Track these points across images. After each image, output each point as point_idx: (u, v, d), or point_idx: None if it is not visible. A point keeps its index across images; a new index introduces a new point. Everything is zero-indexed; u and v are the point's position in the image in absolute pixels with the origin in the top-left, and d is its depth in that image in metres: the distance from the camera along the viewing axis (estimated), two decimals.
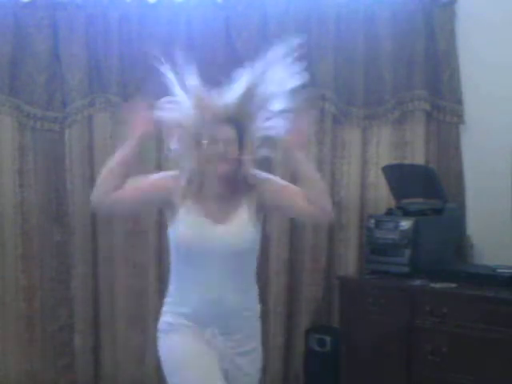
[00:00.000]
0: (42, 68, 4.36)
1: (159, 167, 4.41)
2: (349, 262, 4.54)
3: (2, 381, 4.39)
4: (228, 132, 2.56)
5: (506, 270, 3.78)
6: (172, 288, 2.68)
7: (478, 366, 3.58)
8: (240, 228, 2.58)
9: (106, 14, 4.38)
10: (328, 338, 4.30)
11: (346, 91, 4.51)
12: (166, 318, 2.67)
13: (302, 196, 2.58)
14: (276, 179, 2.68)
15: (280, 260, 4.48)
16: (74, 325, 4.44)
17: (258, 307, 2.72)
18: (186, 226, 2.57)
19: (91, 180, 4.41)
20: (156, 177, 2.67)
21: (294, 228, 4.52)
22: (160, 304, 4.35)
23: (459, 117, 4.46)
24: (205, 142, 2.54)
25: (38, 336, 4.45)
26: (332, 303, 4.53)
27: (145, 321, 4.44)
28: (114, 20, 4.38)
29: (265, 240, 4.36)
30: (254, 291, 2.70)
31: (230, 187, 2.60)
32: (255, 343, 2.69)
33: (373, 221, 4.25)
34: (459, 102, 4.46)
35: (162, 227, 4.12)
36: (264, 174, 2.66)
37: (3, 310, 4.41)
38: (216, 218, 2.57)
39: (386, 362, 3.94)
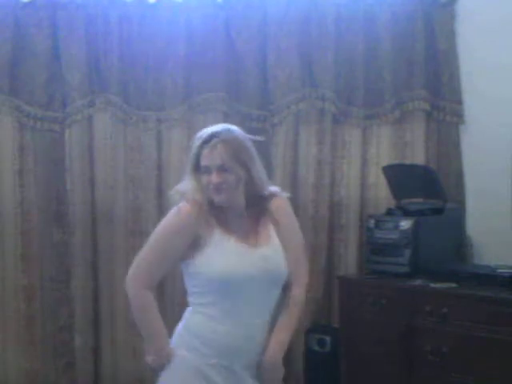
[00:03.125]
0: (42, 68, 4.36)
1: (159, 167, 4.43)
2: (349, 262, 4.54)
3: (2, 381, 4.39)
4: (219, 160, 2.41)
5: (506, 270, 3.78)
6: (196, 323, 2.49)
7: (479, 366, 3.58)
8: (276, 249, 2.47)
9: (106, 14, 4.38)
10: (328, 338, 4.30)
11: (346, 91, 4.51)
12: (186, 353, 2.47)
13: (304, 272, 2.53)
14: (297, 227, 2.59)
15: None
16: (74, 325, 4.44)
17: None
18: (223, 254, 2.40)
19: (91, 180, 4.42)
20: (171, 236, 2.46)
21: None
22: (160, 304, 4.38)
23: (459, 117, 4.47)
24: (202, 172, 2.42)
25: (37, 336, 4.44)
26: (332, 303, 4.54)
27: None
28: (114, 20, 4.38)
29: None
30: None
31: (249, 215, 2.48)
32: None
33: (373, 221, 4.25)
34: (459, 102, 4.46)
35: None
36: (282, 195, 2.58)
37: (3, 310, 4.41)
38: (249, 242, 2.44)
39: (385, 362, 3.94)
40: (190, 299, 2.54)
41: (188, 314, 2.54)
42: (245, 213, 2.47)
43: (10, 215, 4.38)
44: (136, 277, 2.50)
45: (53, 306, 4.45)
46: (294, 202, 4.47)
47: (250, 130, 4.47)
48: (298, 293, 2.53)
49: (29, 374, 4.44)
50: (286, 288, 2.52)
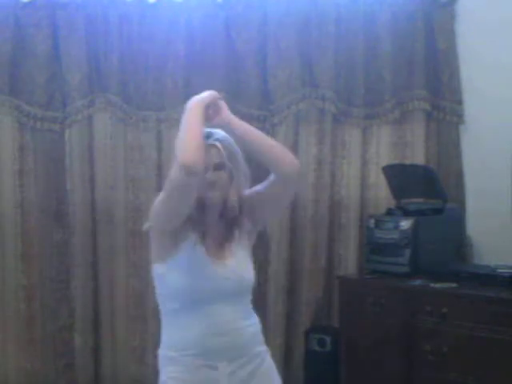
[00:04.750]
0: (42, 68, 4.36)
1: (159, 167, 4.43)
2: (349, 262, 4.54)
3: (2, 381, 4.39)
4: (216, 158, 2.41)
5: (506, 270, 3.78)
6: (168, 333, 2.51)
7: (479, 366, 3.58)
8: (243, 261, 2.47)
9: (106, 14, 4.38)
10: (328, 338, 4.30)
11: (346, 91, 4.51)
12: (169, 367, 2.48)
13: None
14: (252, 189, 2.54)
15: (280, 260, 4.48)
16: (74, 325, 4.44)
17: (261, 334, 2.56)
18: (192, 266, 2.39)
19: (91, 180, 4.42)
20: None
21: (294, 228, 4.52)
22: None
23: (459, 117, 4.47)
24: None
25: (37, 336, 4.44)
26: (332, 303, 4.54)
27: (145, 321, 4.44)
28: (114, 20, 4.38)
29: (265, 240, 4.38)
30: (255, 314, 2.55)
31: (225, 220, 2.47)
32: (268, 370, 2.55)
33: (373, 221, 4.25)
34: (459, 102, 4.46)
35: None
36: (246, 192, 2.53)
37: (3, 310, 4.41)
38: (218, 254, 2.44)
39: (385, 362, 3.94)
40: (161, 307, 2.54)
41: (162, 330, 2.54)
42: (221, 218, 2.46)
43: (10, 215, 4.37)
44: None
45: (53, 305, 4.45)
46: (294, 202, 4.49)
47: None
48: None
49: (29, 374, 4.43)
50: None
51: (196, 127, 2.33)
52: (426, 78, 4.48)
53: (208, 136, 2.42)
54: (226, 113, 2.40)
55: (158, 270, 2.46)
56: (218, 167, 2.41)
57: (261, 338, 2.55)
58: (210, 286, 2.41)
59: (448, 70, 4.47)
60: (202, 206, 2.42)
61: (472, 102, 4.42)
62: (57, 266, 4.45)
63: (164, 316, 2.54)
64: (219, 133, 2.46)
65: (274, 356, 4.28)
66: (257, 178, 2.54)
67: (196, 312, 2.42)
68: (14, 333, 4.41)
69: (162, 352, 2.54)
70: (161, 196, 2.38)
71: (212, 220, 2.46)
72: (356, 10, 4.48)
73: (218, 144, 2.42)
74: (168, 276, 2.43)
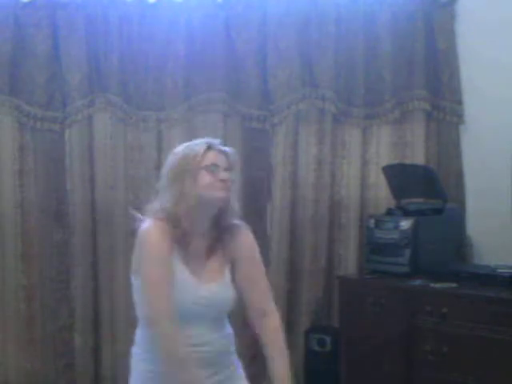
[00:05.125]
0: (42, 68, 4.36)
1: (159, 167, 4.42)
2: (349, 262, 4.54)
3: (2, 381, 4.39)
4: (226, 163, 2.45)
5: (506, 270, 3.78)
6: (144, 339, 2.54)
7: (479, 366, 3.58)
8: (225, 286, 2.47)
9: (106, 14, 4.38)
10: (328, 338, 4.30)
11: (346, 91, 4.51)
12: (142, 366, 2.57)
13: (271, 299, 2.53)
14: (256, 247, 2.55)
15: (280, 260, 4.48)
16: (74, 325, 4.44)
17: (232, 345, 2.57)
18: (174, 287, 2.37)
19: (91, 180, 4.42)
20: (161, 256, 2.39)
21: (294, 228, 4.52)
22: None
23: (459, 117, 4.47)
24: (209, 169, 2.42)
25: (37, 336, 4.44)
26: (332, 303, 4.54)
27: None
28: (114, 20, 4.38)
29: (265, 240, 4.38)
30: (228, 328, 2.55)
31: (210, 235, 2.46)
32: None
33: (373, 221, 4.25)
34: (459, 102, 4.46)
35: None
36: (246, 228, 2.53)
37: (3, 310, 4.41)
38: (201, 276, 2.42)
39: (385, 362, 3.94)
40: (137, 313, 2.55)
41: (137, 330, 2.58)
42: (206, 235, 2.46)
43: (10, 215, 4.37)
44: (157, 313, 2.37)
45: (53, 305, 4.45)
46: (294, 202, 4.50)
47: (249, 130, 4.55)
48: (276, 321, 2.55)
49: (29, 374, 4.44)
50: (262, 316, 2.52)
51: None
52: (426, 77, 4.48)
53: (217, 143, 2.48)
54: None
55: (139, 283, 2.48)
56: (228, 169, 2.45)
57: (233, 348, 2.56)
58: (190, 310, 2.39)
59: (448, 70, 4.47)
60: (196, 213, 2.41)
61: (472, 102, 4.42)
62: (57, 266, 4.46)
63: (140, 321, 2.55)
64: (221, 143, 2.50)
65: None
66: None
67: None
68: (14, 333, 4.41)
69: (135, 350, 2.61)
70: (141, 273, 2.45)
71: (202, 230, 2.44)
72: (356, 10, 4.48)
73: (227, 149, 2.47)
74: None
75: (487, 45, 4.28)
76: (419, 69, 4.48)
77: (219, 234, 2.48)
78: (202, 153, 2.42)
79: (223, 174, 2.42)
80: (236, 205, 2.51)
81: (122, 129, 4.46)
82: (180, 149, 2.49)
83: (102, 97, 4.39)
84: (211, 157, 2.43)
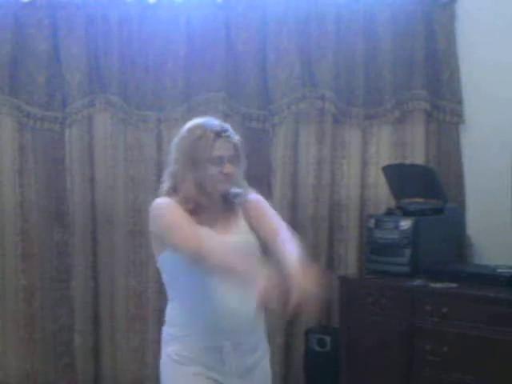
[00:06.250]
0: (41, 68, 4.36)
1: (159, 167, 4.42)
2: (349, 262, 4.54)
3: (2, 381, 4.39)
4: (231, 151, 2.52)
5: (506, 270, 3.78)
6: (174, 313, 2.55)
7: (479, 366, 3.58)
8: (244, 235, 2.54)
9: (106, 14, 4.38)
10: (328, 338, 4.30)
11: (346, 91, 4.51)
12: (172, 347, 2.52)
13: (286, 239, 2.56)
14: (266, 204, 2.64)
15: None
16: (74, 325, 4.44)
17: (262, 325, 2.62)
18: None
19: (91, 180, 4.42)
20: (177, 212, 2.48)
21: (294, 228, 4.50)
22: (160, 304, 4.39)
23: (459, 117, 4.47)
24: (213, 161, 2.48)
25: (37, 336, 4.44)
26: (332, 303, 4.53)
27: (145, 321, 4.44)
28: (113, 20, 4.38)
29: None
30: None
31: (223, 207, 2.57)
32: (262, 353, 2.61)
33: (373, 221, 4.25)
34: (459, 102, 4.46)
35: None
36: (255, 195, 2.64)
37: (3, 309, 4.41)
38: (218, 229, 2.50)
39: (386, 362, 3.94)
40: (168, 293, 2.58)
41: (167, 311, 2.58)
42: (218, 207, 2.55)
43: (10, 215, 4.38)
44: (196, 244, 2.38)
45: (53, 305, 4.46)
46: (294, 202, 4.49)
47: (250, 130, 4.54)
48: (286, 235, 2.61)
49: (29, 374, 4.44)
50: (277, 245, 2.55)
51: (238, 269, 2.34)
52: (426, 77, 4.48)
53: (225, 129, 2.53)
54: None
55: (165, 257, 2.51)
56: (232, 160, 2.51)
57: (263, 332, 2.61)
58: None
59: (448, 70, 4.47)
60: (207, 194, 2.50)
61: (472, 102, 4.42)
62: (57, 266, 4.46)
63: (170, 301, 2.57)
64: (230, 128, 2.55)
65: (273, 356, 4.30)
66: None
67: (200, 290, 2.44)
68: (13, 333, 4.41)
69: (166, 329, 2.57)
70: (163, 223, 2.48)
71: (215, 205, 2.54)
72: (356, 10, 4.48)
73: (234, 138, 2.53)
74: (174, 256, 2.45)
75: (487, 45, 4.28)
76: (419, 69, 4.47)
77: (231, 205, 2.57)
78: (210, 143, 2.48)
79: (227, 167, 2.48)
80: (244, 183, 2.60)
81: (122, 129, 4.46)
82: (192, 129, 2.56)
83: (102, 97, 4.39)
84: (218, 148, 2.49)
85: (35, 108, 4.36)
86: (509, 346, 3.48)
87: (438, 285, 3.82)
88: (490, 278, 3.78)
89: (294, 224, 4.50)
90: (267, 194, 4.51)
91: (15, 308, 4.41)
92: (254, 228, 2.58)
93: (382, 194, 4.50)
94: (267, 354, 2.65)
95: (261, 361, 2.59)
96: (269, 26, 4.46)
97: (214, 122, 2.56)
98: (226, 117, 4.40)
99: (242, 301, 2.45)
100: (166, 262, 2.53)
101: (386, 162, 4.47)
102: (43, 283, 4.44)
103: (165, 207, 2.50)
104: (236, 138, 2.55)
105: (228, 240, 2.48)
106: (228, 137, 2.51)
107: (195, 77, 4.44)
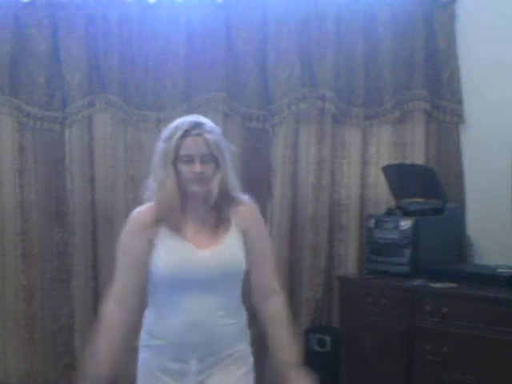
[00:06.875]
0: (41, 68, 4.36)
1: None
2: (349, 262, 4.54)
3: (2, 381, 4.39)
4: (203, 149, 2.39)
5: (506, 270, 3.79)
6: (149, 320, 2.53)
7: (479, 366, 3.58)
8: (231, 247, 2.43)
9: (106, 14, 4.38)
10: (328, 338, 4.30)
11: (346, 91, 4.51)
12: (144, 354, 2.56)
13: (274, 278, 2.51)
14: (257, 213, 2.54)
15: (280, 260, 4.47)
16: (74, 325, 4.44)
17: (247, 335, 2.55)
18: (166, 252, 2.40)
19: (91, 180, 4.42)
20: (129, 239, 2.46)
21: (294, 228, 4.52)
22: None
23: (459, 117, 4.47)
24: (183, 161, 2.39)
25: (37, 336, 4.44)
26: (332, 303, 4.54)
27: None
28: (113, 20, 4.38)
29: None
30: (244, 314, 2.53)
31: (212, 209, 2.44)
32: (244, 369, 2.51)
33: (373, 221, 4.25)
34: (459, 101, 4.46)
35: None
36: (247, 199, 2.53)
37: (3, 310, 4.41)
38: (198, 242, 2.41)
39: (386, 362, 3.94)
40: (148, 299, 2.55)
41: (144, 315, 2.57)
42: (205, 211, 2.45)
43: (10, 215, 4.38)
44: (110, 294, 2.52)
45: (53, 305, 4.46)
46: (294, 201, 4.49)
47: (249, 130, 4.54)
48: (280, 302, 2.54)
49: (29, 374, 4.44)
50: (266, 297, 2.51)
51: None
52: (426, 77, 4.48)
53: (195, 126, 2.41)
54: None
55: (150, 262, 2.46)
56: (205, 158, 2.39)
57: (243, 336, 2.52)
58: (186, 271, 2.39)
59: (448, 70, 4.47)
60: (183, 194, 2.42)
61: (472, 102, 4.42)
62: (57, 266, 4.46)
63: (148, 307, 2.55)
64: (205, 122, 2.44)
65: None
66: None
67: (174, 302, 2.41)
68: (13, 333, 4.41)
69: (141, 333, 2.59)
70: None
71: (194, 207, 2.44)
72: (356, 10, 4.48)
73: (205, 134, 2.40)
74: (152, 265, 2.43)
75: (487, 45, 4.28)
76: (419, 69, 4.47)
77: (219, 209, 2.45)
78: (177, 141, 2.38)
79: (197, 167, 2.38)
80: (234, 181, 2.49)
81: (122, 129, 4.46)
82: (164, 131, 2.47)
83: (102, 97, 4.39)
84: (186, 146, 2.38)
85: (35, 108, 4.36)
86: (509, 346, 3.48)
87: (438, 285, 3.82)
88: (490, 278, 3.78)
89: (294, 224, 4.51)
90: (267, 194, 4.53)
91: (15, 308, 4.41)
92: (245, 244, 2.47)
93: (381, 194, 4.50)
94: (243, 355, 2.53)
95: (229, 365, 2.48)
96: (269, 25, 4.46)
97: (188, 119, 2.45)
98: (225, 117, 4.41)
99: (213, 317, 2.42)
100: (150, 268, 2.48)
101: (385, 162, 4.47)
102: (43, 283, 4.44)
103: (125, 230, 2.47)
104: (211, 134, 2.40)
105: (208, 255, 2.40)
106: (198, 134, 2.38)
107: (195, 77, 4.44)
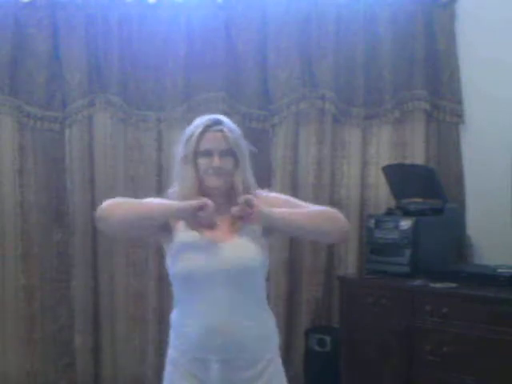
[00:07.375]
0: (41, 68, 4.36)
1: (159, 167, 4.43)
2: (349, 262, 4.54)
3: (1, 381, 4.39)
4: (223, 145, 2.43)
5: (506, 270, 3.78)
6: (173, 320, 2.51)
7: (479, 366, 3.58)
8: (249, 241, 2.42)
9: (106, 14, 4.38)
10: (328, 338, 4.30)
11: (346, 91, 4.51)
12: (171, 351, 2.51)
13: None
14: (277, 195, 2.57)
15: (280, 260, 4.47)
16: (74, 325, 4.44)
17: (275, 339, 2.52)
18: (184, 248, 2.39)
19: (91, 180, 4.42)
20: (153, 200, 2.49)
21: None
22: (160, 304, 4.40)
23: (459, 117, 4.47)
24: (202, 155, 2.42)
25: (37, 336, 4.45)
26: (332, 303, 4.53)
27: (145, 321, 4.44)
28: (113, 20, 4.38)
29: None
30: (270, 319, 2.50)
31: (230, 204, 2.41)
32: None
33: (373, 221, 4.25)
34: (459, 101, 4.46)
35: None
36: (265, 193, 2.54)
37: (3, 310, 4.41)
38: (217, 237, 2.39)
39: (386, 362, 3.94)
40: (173, 300, 2.55)
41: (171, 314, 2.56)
42: (226, 203, 2.43)
43: (10, 215, 4.38)
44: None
45: (53, 305, 4.46)
46: None
47: (250, 130, 4.54)
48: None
49: (29, 374, 4.44)
50: None
51: (147, 212, 2.42)
52: (426, 77, 4.48)
53: (215, 123, 2.45)
54: (260, 208, 2.36)
55: (167, 261, 2.48)
56: (225, 153, 2.43)
57: (267, 344, 2.48)
58: (205, 265, 2.38)
59: (448, 70, 4.47)
60: (203, 190, 2.43)
61: (472, 102, 4.42)
62: (57, 266, 4.46)
63: (174, 306, 2.54)
64: (227, 121, 2.49)
65: None
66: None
67: (191, 302, 2.40)
68: (14, 333, 4.42)
69: (170, 332, 2.53)
70: None
71: (220, 203, 2.42)
72: (356, 10, 4.48)
73: (225, 130, 2.45)
74: (169, 264, 2.44)
75: (487, 45, 4.28)
76: (419, 69, 4.47)
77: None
78: (198, 136, 2.43)
79: (216, 160, 2.41)
80: (252, 180, 2.50)
81: (122, 129, 4.46)
82: (187, 129, 2.51)
83: (102, 97, 4.39)
84: (206, 141, 2.42)
85: (35, 108, 4.37)
86: (509, 346, 3.48)
87: (438, 285, 3.82)
88: (490, 278, 3.78)
89: None
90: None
91: (15, 308, 4.41)
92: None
93: (381, 194, 4.50)
94: (273, 366, 2.51)
95: (262, 374, 2.46)
96: (269, 26, 4.46)
97: (208, 116, 2.49)
98: (225, 117, 4.40)
99: (231, 318, 2.39)
100: (168, 269, 2.48)
101: (386, 162, 4.47)
102: (43, 283, 4.45)
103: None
104: (231, 132, 2.44)
105: (225, 248, 2.39)
106: (218, 130, 2.43)
107: (195, 77, 4.44)
